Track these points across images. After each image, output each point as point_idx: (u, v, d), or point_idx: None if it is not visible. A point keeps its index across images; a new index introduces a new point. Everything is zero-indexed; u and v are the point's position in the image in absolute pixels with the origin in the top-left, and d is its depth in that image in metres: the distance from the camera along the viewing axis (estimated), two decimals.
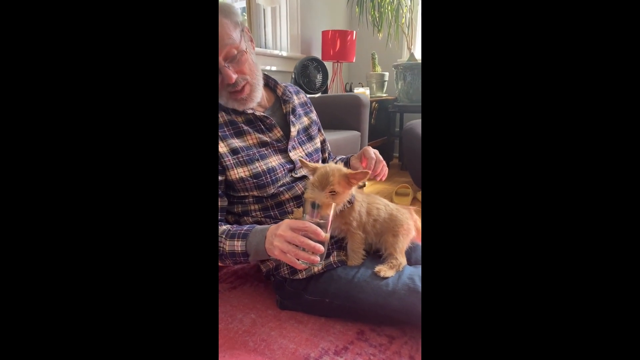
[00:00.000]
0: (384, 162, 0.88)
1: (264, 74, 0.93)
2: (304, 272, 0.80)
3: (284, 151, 0.88)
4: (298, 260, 0.63)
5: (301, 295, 0.81)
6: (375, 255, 0.83)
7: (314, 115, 1.02)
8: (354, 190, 0.76)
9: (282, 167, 0.85)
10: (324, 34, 2.23)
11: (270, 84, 0.95)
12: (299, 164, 0.88)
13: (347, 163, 0.98)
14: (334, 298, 0.77)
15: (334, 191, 0.70)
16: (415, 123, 1.74)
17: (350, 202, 0.76)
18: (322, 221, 0.67)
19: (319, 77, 2.09)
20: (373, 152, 0.88)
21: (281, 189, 0.84)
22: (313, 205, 0.66)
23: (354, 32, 2.23)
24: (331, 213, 0.67)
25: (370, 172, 0.71)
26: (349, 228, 0.78)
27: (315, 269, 0.79)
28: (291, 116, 0.91)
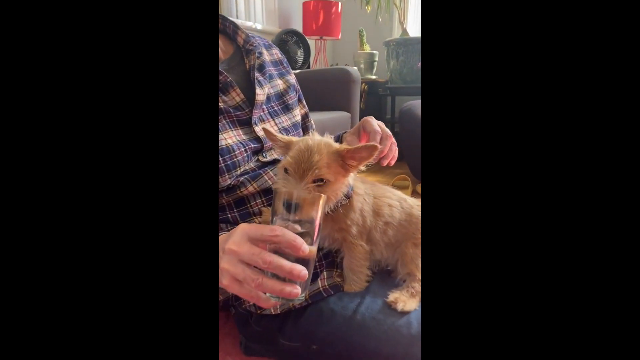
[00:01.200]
0: (393, 139, 0.61)
1: (220, 15, 0.65)
2: (278, 307, 0.52)
3: (245, 124, 0.61)
4: (265, 293, 0.36)
5: (274, 338, 0.53)
6: (387, 274, 0.56)
7: (292, 79, 0.75)
8: (351, 177, 0.49)
9: (244, 146, 0.58)
10: (305, 5, 1.97)
11: (227, 29, 0.66)
12: (268, 143, 0.60)
13: (338, 142, 0.70)
14: (324, 345, 0.50)
15: (322, 179, 0.42)
16: (414, 104, 1.49)
17: (348, 197, 0.49)
18: (303, 229, 0.40)
19: (300, 53, 1.80)
20: (377, 124, 0.61)
21: (242, 178, 0.57)
22: (287, 204, 0.39)
23: (339, 3, 1.96)
24: (319, 214, 0.40)
25: (377, 148, 0.44)
26: (346, 236, 0.51)
27: (295, 303, 0.51)
28: (257, 74, 0.64)
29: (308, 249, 0.39)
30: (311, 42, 2.06)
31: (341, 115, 1.36)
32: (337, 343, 0.49)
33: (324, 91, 1.42)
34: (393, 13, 2.10)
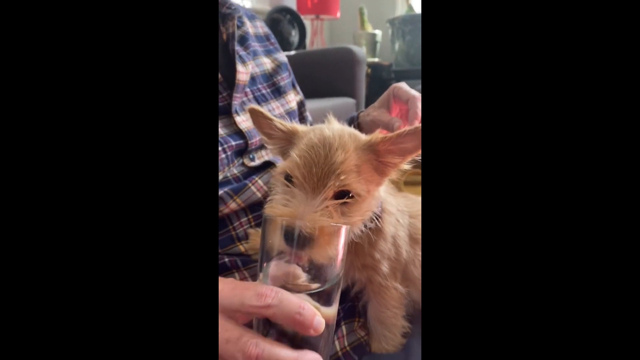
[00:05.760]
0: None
1: None
2: None
3: (223, 112, 0.45)
4: None
5: None
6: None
7: (282, 56, 0.59)
8: (383, 188, 0.33)
9: (222, 144, 0.42)
10: None
11: None
12: (257, 139, 0.44)
13: (350, 125, 0.53)
14: None
15: (349, 193, 0.26)
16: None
17: (377, 217, 0.33)
18: (314, 280, 0.24)
19: (294, 33, 1.62)
20: (408, 88, 0.47)
21: (221, 191, 0.41)
22: (290, 236, 0.23)
23: None
24: (341, 252, 0.24)
25: (420, 129, 0.28)
26: (373, 276, 0.35)
27: None
28: (238, 47, 0.47)
29: (322, 322, 0.23)
30: (307, 22, 1.87)
31: (345, 101, 1.19)
32: None
33: (324, 75, 1.24)
34: None
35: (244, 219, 0.42)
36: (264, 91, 0.53)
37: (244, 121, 0.46)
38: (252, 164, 0.46)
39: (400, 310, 0.36)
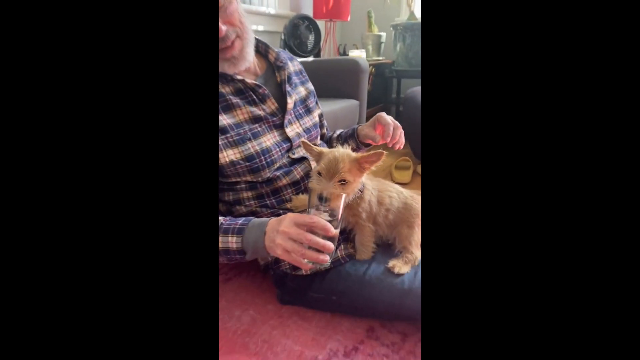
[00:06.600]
0: (401, 128, 0.78)
1: (256, 38, 0.79)
2: (309, 270, 0.72)
3: (279, 127, 0.76)
4: (304, 260, 0.54)
5: (305, 292, 0.73)
6: (388, 247, 0.75)
7: (310, 86, 0.90)
8: (364, 177, 0.66)
9: (278, 146, 0.74)
10: None
11: (260, 48, 0.81)
12: (297, 142, 0.77)
13: (352, 135, 0.86)
14: (341, 296, 0.70)
15: (345, 180, 0.59)
16: (416, 90, 1.62)
17: (360, 191, 0.67)
18: (331, 217, 0.57)
19: (311, 38, 1.90)
20: (390, 119, 0.78)
21: (277, 173, 0.74)
22: (320, 197, 0.57)
23: None
24: (341, 205, 0.57)
25: (384, 154, 0.60)
26: (357, 220, 0.69)
27: (322, 267, 0.71)
28: (287, 85, 0.78)
29: (334, 231, 0.57)
30: (321, 23, 2.11)
31: (350, 103, 1.50)
32: (350, 295, 0.69)
33: (335, 80, 1.54)
34: None
35: (289, 190, 0.76)
36: (300, 111, 0.84)
37: (290, 131, 0.78)
38: (294, 156, 0.78)
39: (371, 238, 0.71)
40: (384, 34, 2.23)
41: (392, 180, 1.52)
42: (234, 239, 0.61)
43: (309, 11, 2.16)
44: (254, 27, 1.86)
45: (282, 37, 1.83)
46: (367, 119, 1.41)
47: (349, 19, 2.13)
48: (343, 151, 0.62)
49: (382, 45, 2.26)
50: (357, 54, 2.00)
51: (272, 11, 1.93)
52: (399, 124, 0.78)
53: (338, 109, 1.41)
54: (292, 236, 0.54)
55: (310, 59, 1.76)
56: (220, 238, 0.62)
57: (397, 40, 2.06)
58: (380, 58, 2.26)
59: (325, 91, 1.55)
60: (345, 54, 2.24)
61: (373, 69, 2.12)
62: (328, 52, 2.33)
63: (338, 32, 2.50)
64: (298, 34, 1.85)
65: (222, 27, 0.61)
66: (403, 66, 2.08)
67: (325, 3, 1.99)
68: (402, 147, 0.79)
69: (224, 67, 0.68)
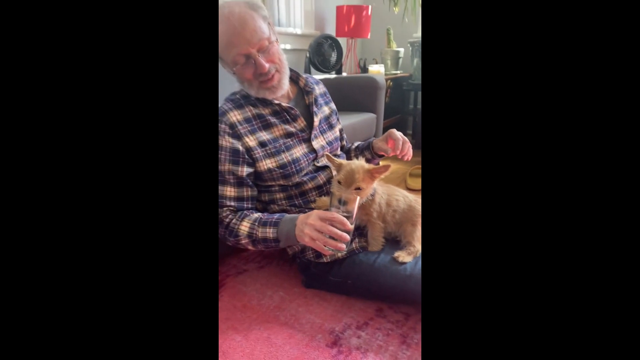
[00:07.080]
0: (409, 143, 0.93)
1: (290, 68, 0.96)
2: (328, 257, 0.88)
3: (307, 140, 0.93)
4: (325, 246, 0.70)
5: (325, 277, 0.89)
6: (394, 242, 0.90)
7: (333, 105, 1.06)
8: (375, 183, 0.82)
9: (306, 157, 0.91)
10: (339, 9, 2.19)
11: (292, 76, 0.98)
12: (321, 152, 0.93)
13: (367, 147, 1.02)
14: (355, 280, 0.86)
15: (359, 187, 0.75)
16: None
17: (372, 195, 0.82)
18: (347, 214, 0.73)
19: (334, 55, 2.08)
20: (400, 134, 0.93)
21: (305, 178, 0.90)
22: (339, 200, 0.73)
23: (370, 6, 2.18)
24: (356, 207, 0.73)
25: (390, 166, 0.76)
26: (369, 218, 0.85)
27: (339, 255, 0.86)
28: (314, 106, 0.95)
29: (350, 226, 0.73)
30: (343, 40, 2.27)
31: (368, 116, 1.66)
32: (363, 279, 0.85)
33: (353, 95, 1.70)
34: (419, 14, 2.29)
35: (314, 193, 0.92)
36: (324, 127, 1.00)
37: (315, 144, 0.93)
38: (319, 165, 0.94)
39: (381, 234, 0.87)
40: (402, 50, 2.37)
41: (406, 187, 1.66)
42: (271, 229, 0.78)
43: (332, 30, 2.34)
44: (282, 46, 2.06)
45: (307, 54, 2.01)
46: (385, 128, 1.55)
47: (369, 36, 2.29)
48: (358, 163, 0.78)
49: (400, 60, 2.40)
50: (377, 68, 2.16)
51: (299, 31, 2.12)
52: (407, 139, 0.93)
53: (356, 122, 1.57)
54: (317, 227, 0.70)
55: (333, 75, 1.93)
56: (260, 229, 0.79)
57: (414, 56, 2.21)
58: (398, 72, 2.41)
59: (345, 106, 1.72)
60: (365, 68, 2.40)
61: (390, 82, 2.27)
62: (349, 67, 2.49)
63: (359, 47, 2.66)
64: (322, 51, 2.04)
65: (265, 65, 0.79)
66: (419, 80, 2.21)
67: (347, 22, 2.17)
68: (410, 158, 0.94)
69: (265, 94, 0.85)
